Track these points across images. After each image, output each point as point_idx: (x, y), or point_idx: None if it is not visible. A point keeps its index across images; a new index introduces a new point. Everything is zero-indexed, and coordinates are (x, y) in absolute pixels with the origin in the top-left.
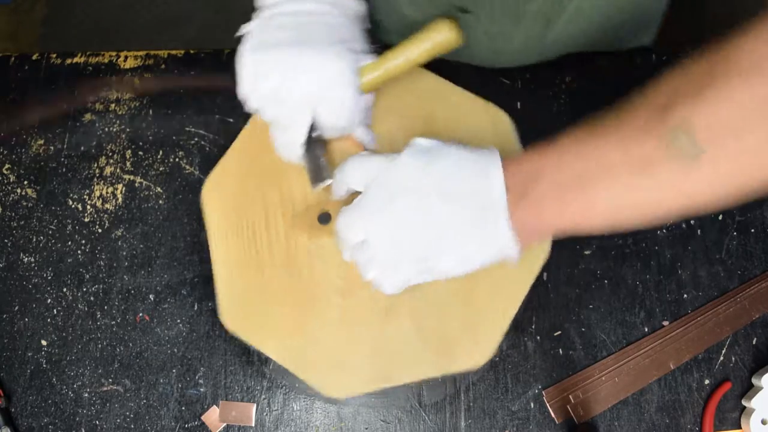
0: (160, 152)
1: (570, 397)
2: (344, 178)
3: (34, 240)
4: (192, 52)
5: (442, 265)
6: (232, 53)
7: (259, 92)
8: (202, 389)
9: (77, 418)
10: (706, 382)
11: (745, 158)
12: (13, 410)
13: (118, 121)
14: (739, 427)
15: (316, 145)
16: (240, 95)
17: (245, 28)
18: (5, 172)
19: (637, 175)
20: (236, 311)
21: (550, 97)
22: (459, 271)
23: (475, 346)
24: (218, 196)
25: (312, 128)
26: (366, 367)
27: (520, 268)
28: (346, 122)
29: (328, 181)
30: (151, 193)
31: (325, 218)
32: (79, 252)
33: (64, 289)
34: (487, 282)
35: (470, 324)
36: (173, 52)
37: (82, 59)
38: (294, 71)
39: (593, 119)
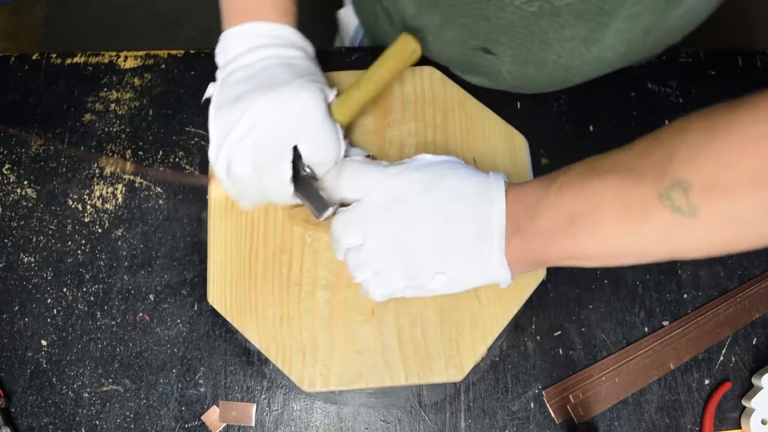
0: (160, 152)
1: (570, 397)
2: (339, 187)
3: (34, 240)
4: (192, 52)
5: (432, 284)
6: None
7: (232, 146)
8: (202, 389)
9: (77, 418)
10: (706, 382)
11: (738, 224)
12: (13, 410)
13: (118, 121)
14: (739, 427)
15: (307, 181)
16: (211, 159)
17: (208, 92)
18: (5, 172)
19: (629, 223)
20: (223, 291)
21: (550, 97)
22: (447, 291)
23: (453, 361)
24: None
25: (300, 167)
26: (345, 365)
27: (511, 291)
28: (332, 153)
29: (332, 209)
30: (151, 193)
31: None
32: (79, 252)
33: (64, 289)
34: (474, 301)
35: (452, 339)
36: (173, 52)
37: (82, 59)
38: (263, 115)
39: (595, 158)
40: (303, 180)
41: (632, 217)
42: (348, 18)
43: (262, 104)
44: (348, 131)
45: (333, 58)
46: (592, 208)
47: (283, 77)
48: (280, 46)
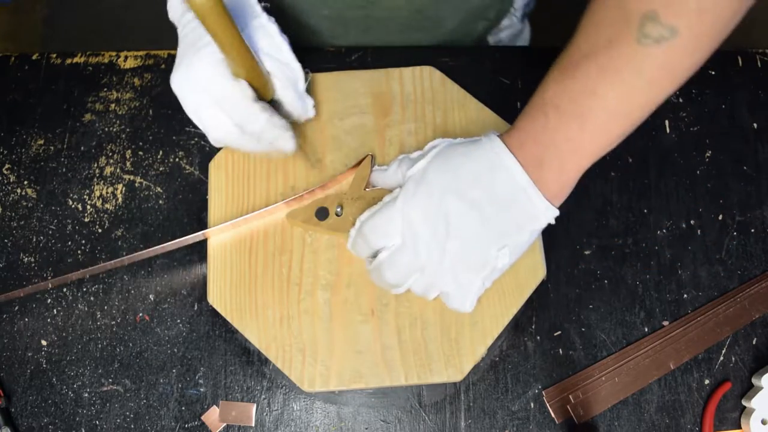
0: (160, 152)
1: (570, 397)
2: (368, 240)
3: (34, 240)
4: None
5: (501, 262)
6: None
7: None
8: (202, 389)
9: (77, 418)
10: (706, 382)
11: (713, 12)
12: (13, 410)
13: (118, 121)
14: (739, 427)
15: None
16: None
17: None
18: (5, 172)
19: (632, 84)
20: (223, 291)
21: None
22: (516, 258)
23: (453, 361)
24: (224, 173)
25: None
26: (344, 365)
27: (510, 291)
28: (241, 111)
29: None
30: (151, 193)
31: (322, 214)
32: (79, 252)
33: (64, 289)
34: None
35: (451, 339)
36: (173, 52)
37: (82, 59)
38: (177, 90)
39: (560, 59)
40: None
41: (630, 77)
42: None
43: (175, 82)
44: (347, 135)
45: (333, 58)
46: (593, 100)
47: (184, 51)
48: (188, 11)
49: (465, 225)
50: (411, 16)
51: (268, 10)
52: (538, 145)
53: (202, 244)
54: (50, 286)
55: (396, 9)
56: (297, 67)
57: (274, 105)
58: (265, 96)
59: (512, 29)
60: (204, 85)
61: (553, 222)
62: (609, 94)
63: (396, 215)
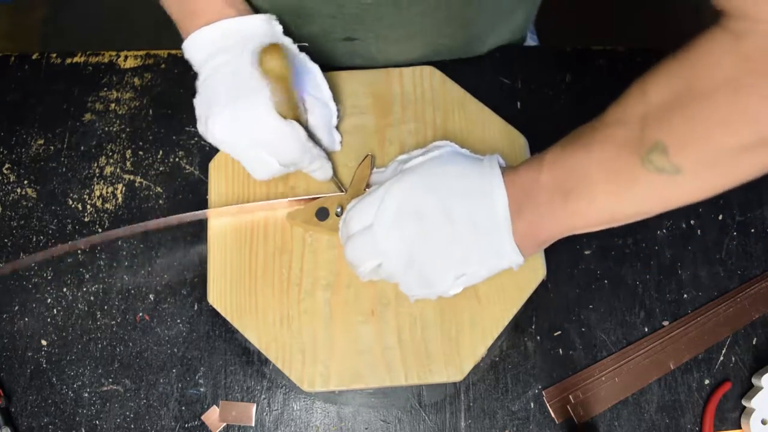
0: (160, 152)
1: (570, 397)
2: (348, 225)
3: (34, 240)
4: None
5: (454, 290)
6: None
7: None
8: (202, 389)
9: (77, 418)
10: (706, 382)
11: (722, 166)
12: (13, 410)
13: (118, 121)
14: (739, 427)
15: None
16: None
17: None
18: (5, 172)
19: (620, 190)
20: (224, 291)
21: (550, 97)
22: (465, 285)
23: (453, 361)
24: (224, 173)
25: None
26: (344, 365)
27: (510, 291)
28: (294, 152)
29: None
30: (151, 193)
31: (323, 215)
32: (79, 252)
33: (64, 289)
34: (474, 301)
35: (451, 339)
36: (173, 52)
37: (82, 59)
38: (223, 138)
39: (576, 132)
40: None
41: (622, 184)
42: None
43: (214, 128)
44: (348, 135)
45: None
46: (584, 182)
47: (223, 98)
48: (220, 52)
49: (435, 235)
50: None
51: (305, 50)
52: (523, 193)
53: (203, 244)
54: (81, 246)
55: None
56: (333, 106)
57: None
58: None
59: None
60: (254, 130)
61: (514, 268)
62: (598, 188)
63: (375, 202)
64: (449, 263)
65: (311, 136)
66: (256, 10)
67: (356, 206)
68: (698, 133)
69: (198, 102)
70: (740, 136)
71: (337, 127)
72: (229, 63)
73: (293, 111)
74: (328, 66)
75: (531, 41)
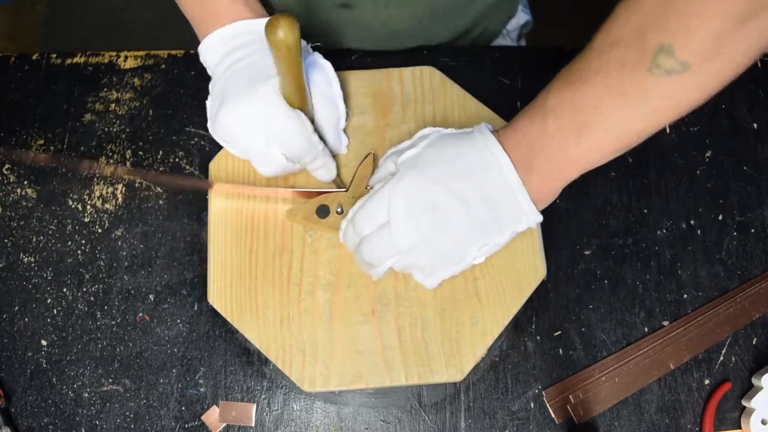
0: (160, 152)
1: (570, 397)
2: (357, 226)
3: (34, 240)
4: (192, 52)
5: (478, 260)
6: None
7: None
8: (202, 389)
9: (77, 418)
10: (706, 382)
11: (728, 55)
12: (13, 410)
13: (118, 121)
14: (739, 427)
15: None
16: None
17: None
18: (5, 172)
19: (634, 107)
20: (224, 291)
21: None
22: (487, 255)
23: (453, 361)
24: (224, 173)
25: None
26: (345, 365)
27: (511, 291)
28: (303, 144)
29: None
30: (151, 193)
31: (323, 212)
32: (79, 252)
33: (64, 289)
34: (474, 301)
35: (452, 339)
36: (173, 52)
37: (82, 59)
38: (231, 129)
39: (568, 69)
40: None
41: (634, 101)
42: None
43: (227, 124)
44: (347, 135)
45: (333, 58)
46: (595, 114)
47: (239, 85)
48: (236, 49)
49: (453, 221)
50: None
51: (320, 49)
52: (531, 148)
53: (202, 245)
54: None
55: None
56: (342, 106)
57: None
58: None
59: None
60: (262, 120)
61: (534, 226)
62: (611, 114)
63: (383, 201)
64: (471, 240)
65: (317, 132)
66: (272, 12)
67: (363, 208)
68: (696, 22)
69: (210, 101)
70: (735, 6)
71: (345, 131)
72: (244, 59)
73: (301, 101)
74: (326, 37)
75: (524, 15)
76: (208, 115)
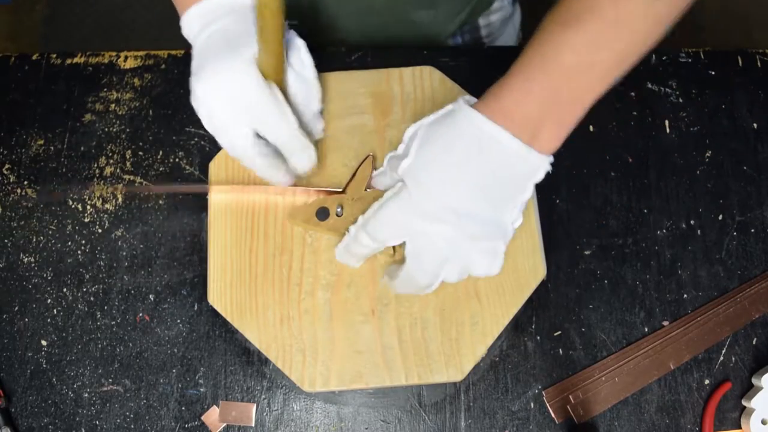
0: (160, 152)
1: (570, 397)
2: (378, 237)
3: (34, 240)
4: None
5: (516, 225)
6: None
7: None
8: (202, 389)
9: (77, 418)
10: (706, 382)
11: None
12: (13, 410)
13: (118, 121)
14: (739, 427)
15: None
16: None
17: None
18: (5, 172)
19: (631, 35)
20: (224, 291)
21: None
22: (521, 211)
23: (453, 361)
24: (224, 173)
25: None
26: (345, 365)
27: (511, 291)
28: (276, 120)
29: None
30: (151, 193)
31: (323, 214)
32: (79, 252)
33: (64, 289)
34: (474, 301)
35: (452, 339)
36: (173, 52)
37: (82, 59)
38: (206, 104)
39: (556, 14)
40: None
41: (613, 34)
42: None
43: (200, 91)
44: (347, 135)
45: (333, 58)
46: (597, 53)
47: (215, 53)
48: (212, 22)
49: (475, 208)
50: None
51: (295, 27)
52: (539, 103)
53: (202, 245)
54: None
55: None
56: (316, 86)
57: None
58: None
59: (503, 12)
60: (233, 89)
61: (550, 169)
62: (615, 46)
63: (398, 216)
64: (501, 214)
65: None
66: None
67: (377, 220)
68: None
69: (191, 72)
70: None
71: (321, 114)
72: (223, 29)
73: (278, 75)
74: (318, 10)
75: (516, 16)
76: (191, 87)
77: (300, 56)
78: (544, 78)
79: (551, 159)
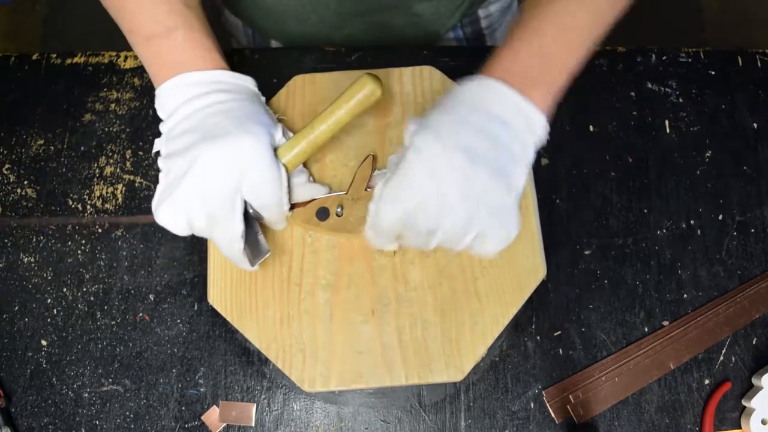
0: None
1: (570, 397)
2: (398, 202)
3: (34, 240)
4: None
5: (521, 182)
6: (233, 52)
7: (184, 197)
8: (202, 389)
9: (77, 418)
10: (706, 382)
11: None
12: (13, 410)
13: (118, 121)
14: (739, 427)
15: (251, 223)
16: (153, 207)
17: (155, 146)
18: (5, 172)
19: (597, 5)
20: (224, 291)
21: None
22: (528, 168)
23: (453, 361)
24: None
25: (248, 206)
26: (345, 365)
27: (511, 291)
28: (274, 197)
29: (267, 254)
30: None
31: (323, 214)
32: (79, 252)
33: (64, 289)
34: (474, 301)
35: (452, 339)
36: None
37: (82, 59)
38: (207, 164)
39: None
40: (249, 221)
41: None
42: (232, 18)
43: (208, 155)
44: (347, 135)
45: (333, 58)
46: (571, 19)
47: (225, 125)
48: (217, 91)
49: (483, 153)
50: None
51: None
52: (527, 68)
53: (202, 245)
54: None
55: None
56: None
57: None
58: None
59: (502, 2)
60: (251, 160)
61: (546, 135)
62: (582, 17)
63: (415, 170)
64: (506, 163)
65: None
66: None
67: (393, 186)
68: None
69: (166, 139)
70: None
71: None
72: (224, 102)
73: (297, 162)
74: (322, 10)
75: (514, 6)
76: (165, 153)
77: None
78: (529, 46)
79: (547, 126)
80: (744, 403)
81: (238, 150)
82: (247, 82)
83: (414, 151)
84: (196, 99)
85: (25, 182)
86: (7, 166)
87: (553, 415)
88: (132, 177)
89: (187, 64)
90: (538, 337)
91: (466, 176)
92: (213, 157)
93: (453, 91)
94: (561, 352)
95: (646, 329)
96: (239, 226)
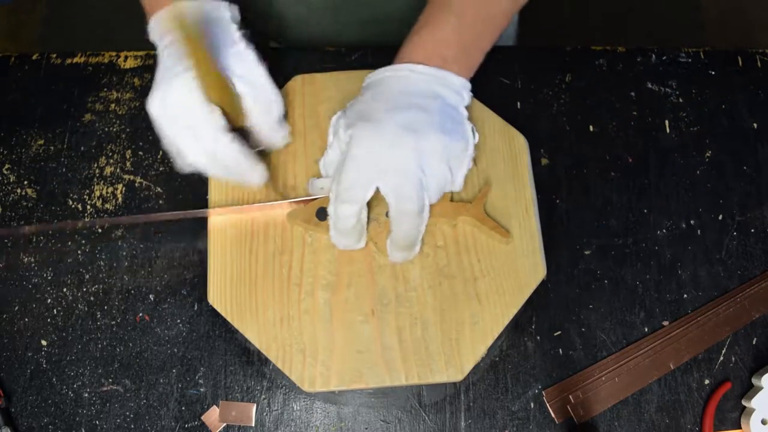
0: (160, 152)
1: (570, 397)
2: (352, 196)
3: (34, 240)
4: None
5: (468, 149)
6: None
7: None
8: (202, 389)
9: (77, 418)
10: (706, 382)
11: None
12: (13, 410)
13: (118, 121)
14: (739, 427)
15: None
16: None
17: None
18: (5, 172)
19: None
20: (224, 291)
21: (550, 97)
22: (473, 130)
23: (453, 361)
24: (223, 185)
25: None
26: (345, 365)
27: (511, 291)
28: (207, 143)
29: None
30: (151, 193)
31: (323, 214)
32: (79, 252)
33: (64, 289)
34: (474, 301)
35: (452, 339)
36: None
37: (82, 59)
38: (157, 120)
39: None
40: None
41: None
42: None
43: (152, 108)
44: None
45: (333, 58)
46: (472, 6)
47: (161, 71)
48: (169, 32)
49: (426, 123)
50: None
51: (250, 37)
52: (446, 46)
53: (203, 244)
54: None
55: None
56: (273, 92)
57: (249, 132)
58: (238, 123)
59: None
60: (177, 111)
61: (468, 97)
62: (468, 12)
63: (359, 161)
64: (441, 124)
65: (253, 129)
66: None
67: (344, 178)
68: None
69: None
70: None
71: (286, 118)
72: (172, 42)
73: (220, 92)
74: (321, 22)
75: (510, 27)
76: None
77: (248, 66)
78: (441, 32)
79: (468, 85)
80: (744, 403)
81: (167, 101)
82: (209, 8)
83: (356, 144)
84: (157, 45)
85: (25, 182)
86: (7, 166)
87: (553, 415)
88: (132, 177)
89: None
90: (538, 337)
91: (417, 148)
92: (153, 107)
93: (375, 81)
94: (561, 352)
95: (646, 329)
96: (199, 159)
